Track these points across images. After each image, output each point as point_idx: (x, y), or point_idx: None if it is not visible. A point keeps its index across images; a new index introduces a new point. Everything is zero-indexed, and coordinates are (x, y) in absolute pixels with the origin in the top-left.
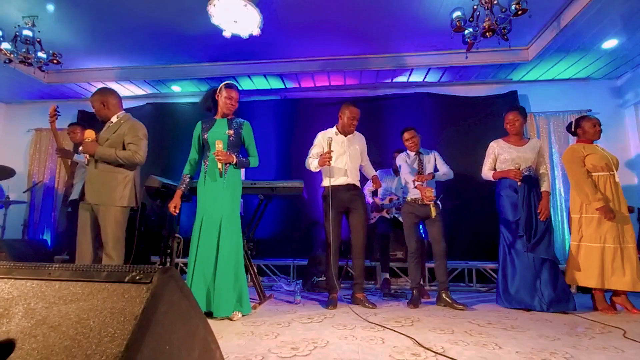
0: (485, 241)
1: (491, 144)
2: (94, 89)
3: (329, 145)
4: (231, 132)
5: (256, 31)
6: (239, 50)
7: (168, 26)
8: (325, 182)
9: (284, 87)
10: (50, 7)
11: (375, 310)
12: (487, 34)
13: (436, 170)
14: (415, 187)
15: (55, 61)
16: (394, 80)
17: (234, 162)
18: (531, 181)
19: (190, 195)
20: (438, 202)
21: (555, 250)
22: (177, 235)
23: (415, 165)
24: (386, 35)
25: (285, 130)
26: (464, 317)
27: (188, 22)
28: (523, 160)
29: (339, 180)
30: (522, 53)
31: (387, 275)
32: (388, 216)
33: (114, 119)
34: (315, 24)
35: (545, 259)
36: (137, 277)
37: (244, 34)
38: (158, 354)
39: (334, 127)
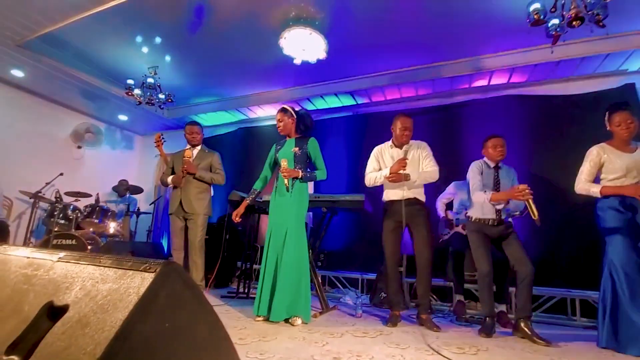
0: (592, 266)
1: (592, 149)
2: (199, 119)
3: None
4: (296, 149)
5: (322, 55)
6: (311, 73)
7: (249, 61)
8: (384, 196)
9: (355, 103)
10: (168, 58)
11: (438, 334)
12: (574, 23)
13: None
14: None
15: (169, 100)
16: (472, 85)
17: (299, 176)
18: None
19: (266, 209)
20: (510, 219)
21: None
22: (255, 244)
23: (490, 181)
24: (459, 39)
25: (356, 145)
26: (547, 354)
27: (265, 56)
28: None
29: (398, 195)
30: (637, 38)
31: (462, 297)
32: (464, 232)
33: (201, 146)
34: (384, 39)
35: None
36: (144, 268)
37: (312, 59)
38: (160, 325)
39: (390, 141)
